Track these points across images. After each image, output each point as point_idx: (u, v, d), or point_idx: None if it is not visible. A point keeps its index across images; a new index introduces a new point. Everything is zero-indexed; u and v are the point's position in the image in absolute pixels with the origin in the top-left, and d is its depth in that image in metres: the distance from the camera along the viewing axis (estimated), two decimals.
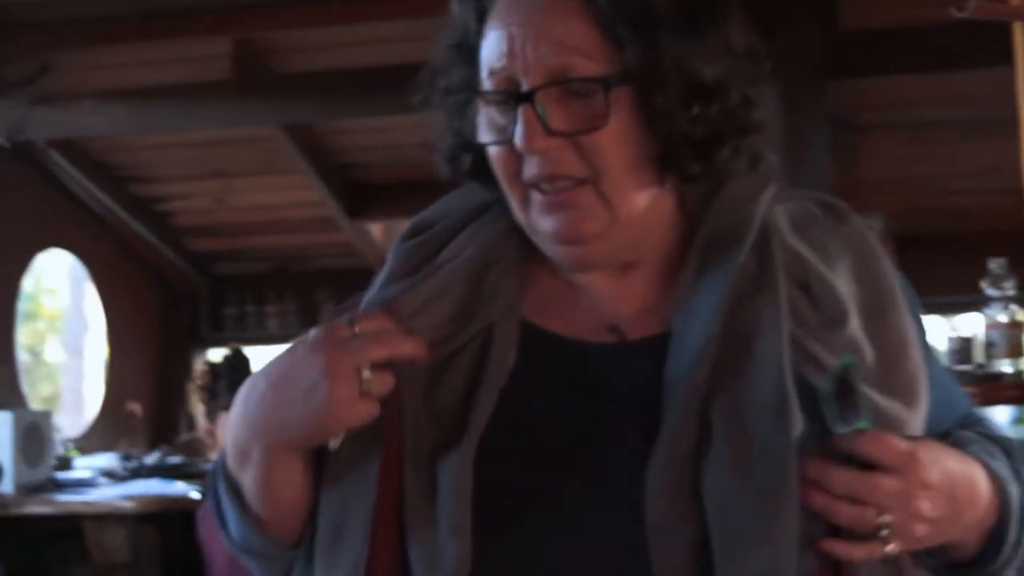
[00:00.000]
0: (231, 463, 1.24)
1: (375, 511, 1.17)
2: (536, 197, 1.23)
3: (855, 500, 1.10)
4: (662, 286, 1.26)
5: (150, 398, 7.24)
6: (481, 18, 1.25)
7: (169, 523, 5.22)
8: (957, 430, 1.28)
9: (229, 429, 1.24)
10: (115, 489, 5.26)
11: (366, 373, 1.15)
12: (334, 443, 1.20)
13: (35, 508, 5.06)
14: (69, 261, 7.15)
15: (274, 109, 5.64)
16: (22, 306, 6.56)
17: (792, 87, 4.90)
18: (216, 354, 6.05)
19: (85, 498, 5.10)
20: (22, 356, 6.73)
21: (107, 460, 5.89)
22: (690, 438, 1.14)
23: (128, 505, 5.00)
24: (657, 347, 1.20)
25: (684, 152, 1.20)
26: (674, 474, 1.12)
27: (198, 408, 3.51)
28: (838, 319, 1.18)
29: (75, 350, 14.27)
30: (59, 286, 14.78)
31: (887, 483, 1.09)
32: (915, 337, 1.23)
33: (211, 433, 4.07)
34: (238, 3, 5.17)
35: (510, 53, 1.20)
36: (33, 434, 5.25)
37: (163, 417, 7.25)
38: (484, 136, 1.24)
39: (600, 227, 1.22)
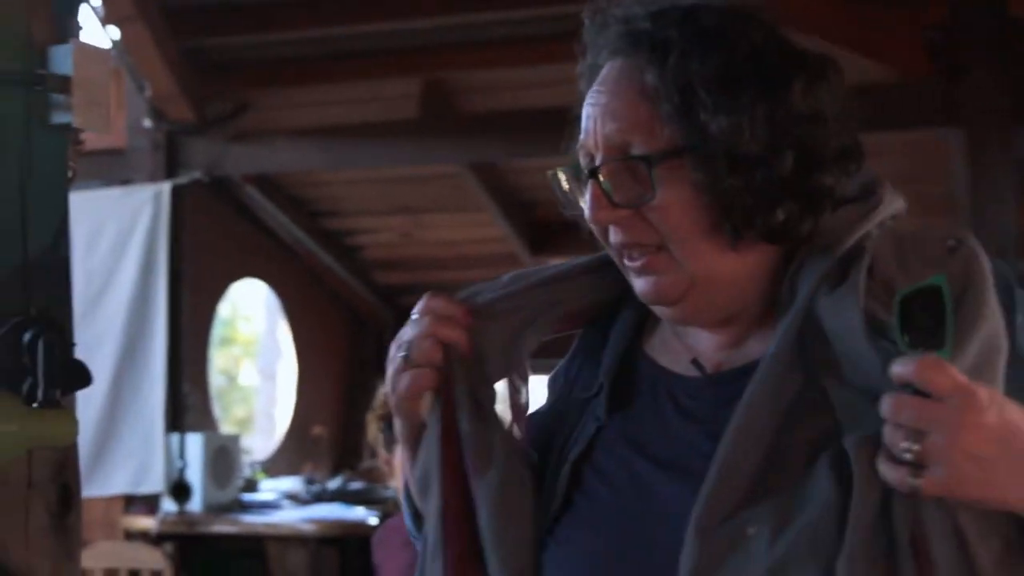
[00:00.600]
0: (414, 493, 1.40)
1: (441, 469, 1.33)
2: (627, 262, 1.34)
3: (890, 421, 1.09)
4: (763, 332, 1.33)
5: (335, 424, 7.46)
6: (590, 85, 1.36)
7: (348, 547, 5.38)
8: None
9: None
10: (298, 512, 5.44)
11: (412, 346, 1.33)
12: (424, 412, 1.35)
13: (221, 527, 5.27)
14: (265, 289, 7.45)
15: (459, 148, 5.78)
16: (219, 332, 6.83)
17: (979, 132, 4.85)
18: None
19: (269, 519, 5.29)
20: (218, 380, 7.00)
21: (291, 483, 6.10)
22: (744, 466, 1.21)
23: (310, 528, 5.17)
24: (737, 378, 1.28)
25: (737, 218, 1.27)
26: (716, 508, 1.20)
27: (377, 438, 3.63)
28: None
29: (268, 375, 14.74)
30: (255, 313, 15.31)
31: (928, 407, 1.07)
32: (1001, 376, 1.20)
33: (388, 463, 4.19)
34: (427, 45, 5.34)
35: (588, 131, 1.33)
36: (222, 456, 5.47)
37: (347, 443, 7.45)
38: (577, 207, 1.37)
39: (680, 289, 1.30)
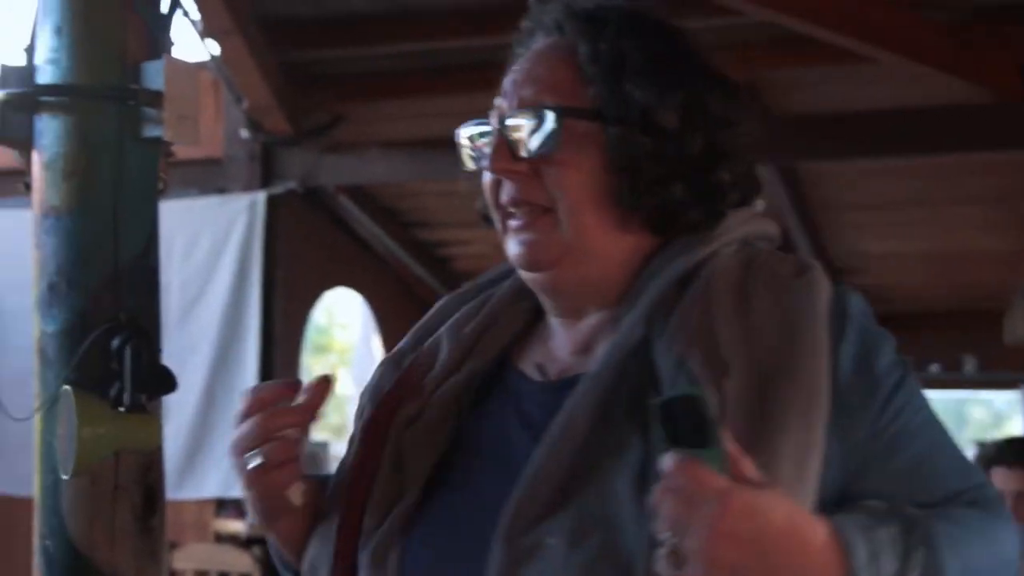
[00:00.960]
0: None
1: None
2: (510, 223, 1.38)
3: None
4: (608, 331, 1.34)
5: None
6: None
7: None
8: (882, 502, 1.21)
9: None
10: None
11: (262, 450, 1.36)
12: (294, 500, 1.39)
13: None
14: (360, 298, 7.54)
15: None
16: (316, 340, 6.93)
17: None
18: None
19: None
20: None
21: None
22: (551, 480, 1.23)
23: None
24: (571, 385, 1.29)
25: (637, 187, 1.31)
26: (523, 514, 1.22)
27: None
28: (719, 375, 1.20)
29: (362, 383, 14.89)
30: (351, 321, 15.49)
31: (683, 507, 1.04)
32: (807, 409, 1.19)
33: None
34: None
35: (505, 92, 1.39)
36: (311, 463, 5.57)
37: None
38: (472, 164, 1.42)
39: (554, 254, 1.33)
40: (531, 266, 1.36)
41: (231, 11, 4.74)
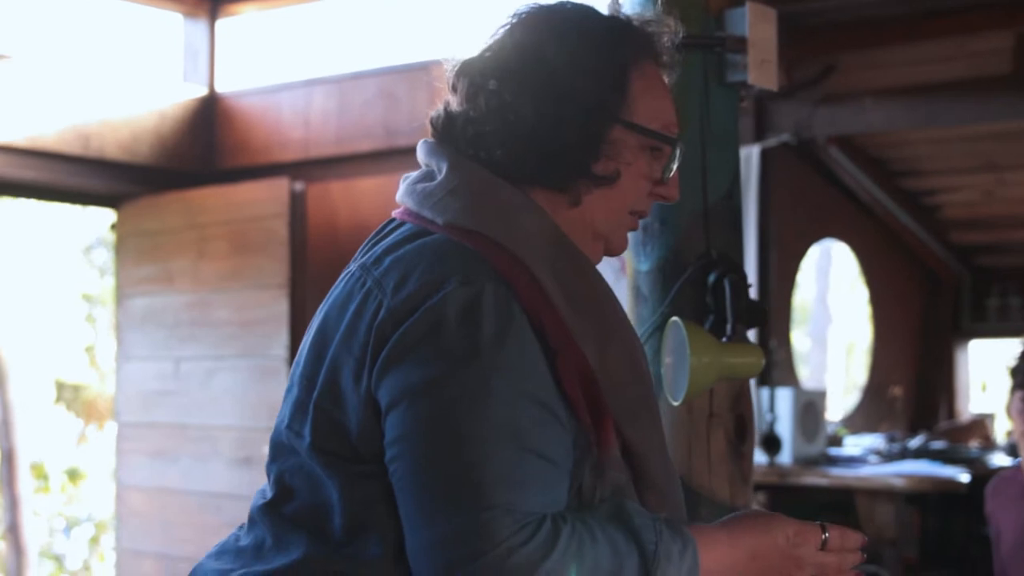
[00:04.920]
0: None
1: None
2: (635, 224, 1.76)
3: None
4: None
5: (910, 384, 7.41)
6: None
7: (928, 504, 5.36)
8: None
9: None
10: (884, 468, 5.48)
11: None
12: None
13: (810, 479, 5.39)
14: (815, 255, 7.50)
15: None
16: None
17: None
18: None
19: (858, 473, 5.36)
20: None
21: (872, 440, 6.15)
22: None
23: (898, 483, 5.19)
24: None
25: None
26: None
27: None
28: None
29: (819, 341, 14.77)
30: (804, 279, 15.38)
31: None
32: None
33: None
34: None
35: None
36: (809, 411, 5.60)
37: (922, 403, 7.39)
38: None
39: None
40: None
41: None
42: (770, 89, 2.52)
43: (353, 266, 1.61)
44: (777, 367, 5.76)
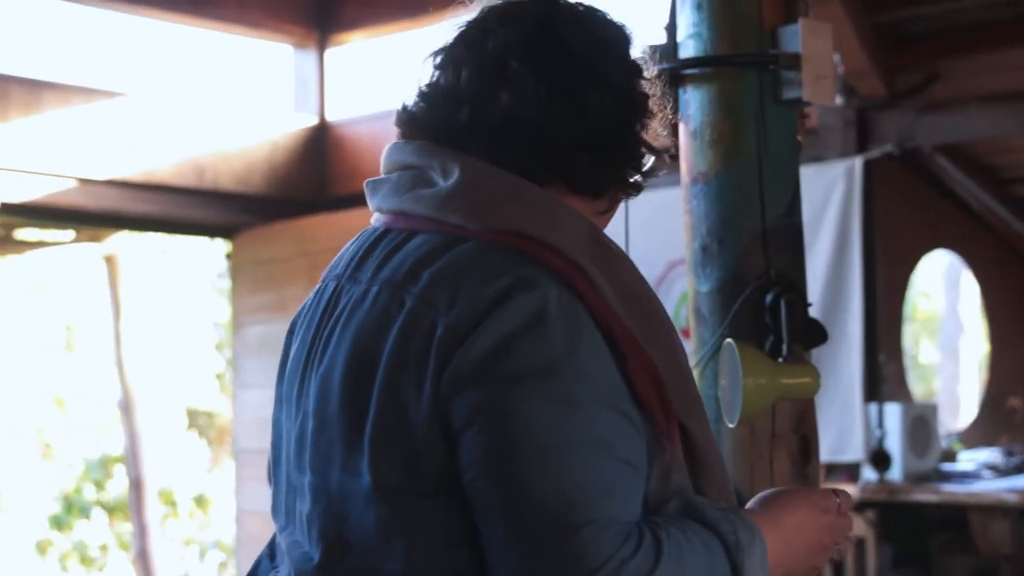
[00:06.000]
0: None
1: None
2: None
3: None
4: None
5: None
6: None
7: None
8: None
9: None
10: (999, 483, 5.36)
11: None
12: None
13: (921, 496, 5.30)
14: (944, 264, 7.34)
15: None
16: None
17: None
18: None
19: (970, 489, 5.25)
20: None
21: (989, 455, 6.01)
22: None
23: (1012, 498, 5.08)
24: None
25: None
26: None
27: None
28: None
29: (949, 351, 14.46)
30: (934, 289, 15.05)
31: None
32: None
33: None
34: None
35: None
36: (919, 426, 5.50)
37: None
38: None
39: None
40: None
41: None
42: (828, 105, 2.49)
43: (357, 285, 1.49)
44: (886, 382, 5.67)
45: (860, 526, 5.19)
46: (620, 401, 1.39)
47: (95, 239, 8.52)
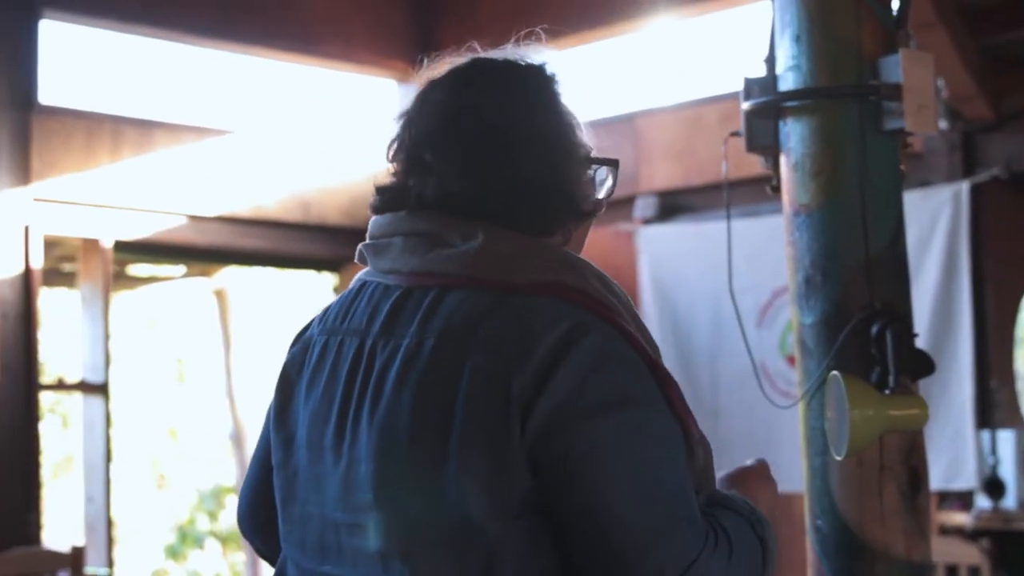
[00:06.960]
0: None
1: None
2: None
3: None
4: None
5: None
6: None
7: None
8: None
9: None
10: None
11: None
12: None
13: None
14: None
15: None
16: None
17: None
18: None
19: None
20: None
21: None
22: None
23: None
24: None
25: None
26: None
27: None
28: None
29: None
30: None
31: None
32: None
33: None
34: None
35: None
36: None
37: None
38: None
39: None
40: None
41: (934, 2, 4.71)
42: (931, 134, 2.48)
43: (400, 340, 1.58)
44: (999, 408, 5.57)
45: (975, 555, 5.09)
46: (671, 419, 1.56)
47: (205, 274, 8.70)
